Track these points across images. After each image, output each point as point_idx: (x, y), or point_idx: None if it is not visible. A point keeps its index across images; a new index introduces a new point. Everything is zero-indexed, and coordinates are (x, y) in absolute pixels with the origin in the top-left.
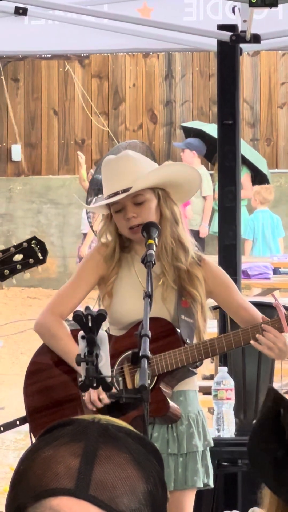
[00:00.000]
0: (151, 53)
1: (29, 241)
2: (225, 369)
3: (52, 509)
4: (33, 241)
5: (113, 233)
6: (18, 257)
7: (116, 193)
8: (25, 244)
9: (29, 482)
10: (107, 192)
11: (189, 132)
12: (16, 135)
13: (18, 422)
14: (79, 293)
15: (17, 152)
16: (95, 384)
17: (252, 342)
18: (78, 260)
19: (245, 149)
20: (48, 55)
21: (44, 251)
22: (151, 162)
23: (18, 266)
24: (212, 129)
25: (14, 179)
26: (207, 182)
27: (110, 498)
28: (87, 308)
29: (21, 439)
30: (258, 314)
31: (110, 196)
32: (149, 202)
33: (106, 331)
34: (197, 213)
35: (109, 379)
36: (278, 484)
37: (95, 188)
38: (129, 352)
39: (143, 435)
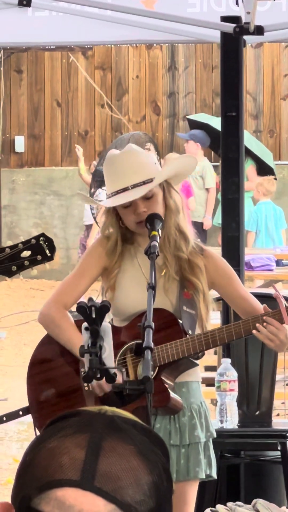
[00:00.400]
0: (154, 44)
1: (37, 237)
2: (228, 360)
3: (58, 500)
4: (42, 238)
5: (115, 226)
6: (26, 253)
7: (126, 189)
8: (33, 241)
9: (34, 473)
10: (114, 188)
11: (194, 125)
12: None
13: (21, 413)
14: (82, 284)
15: (20, 143)
16: (98, 376)
17: (253, 331)
18: (80, 252)
19: (251, 141)
20: (52, 47)
21: (52, 248)
22: (152, 155)
23: (26, 263)
24: (218, 123)
25: (17, 171)
26: (210, 174)
27: (115, 489)
28: (90, 299)
29: (24, 430)
30: (259, 306)
31: (118, 192)
32: (157, 196)
33: (109, 322)
34: (200, 204)
35: (112, 371)
36: None
37: (98, 180)
38: (132, 343)
39: (149, 427)
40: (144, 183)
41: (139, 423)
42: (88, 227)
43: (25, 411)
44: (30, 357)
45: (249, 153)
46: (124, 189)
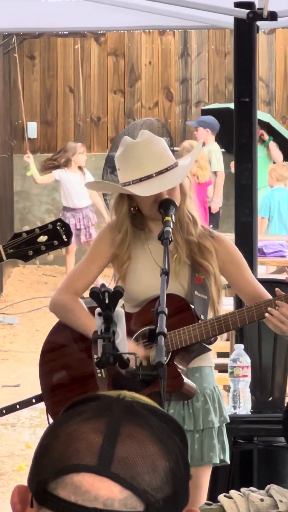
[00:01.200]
0: (167, 30)
1: (54, 223)
2: (241, 346)
3: (74, 485)
4: (58, 223)
5: (126, 213)
6: (43, 238)
7: (150, 176)
8: (50, 226)
9: (51, 457)
10: (136, 175)
11: (209, 113)
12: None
13: (34, 400)
14: (93, 271)
15: (32, 129)
16: (111, 361)
17: (266, 314)
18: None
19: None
20: (64, 33)
21: (69, 233)
22: (164, 140)
23: (42, 247)
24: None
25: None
26: (216, 158)
27: (132, 476)
28: (103, 285)
29: (37, 416)
30: (266, 294)
31: (141, 180)
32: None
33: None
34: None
35: (125, 356)
36: None
37: (110, 165)
38: (145, 328)
39: (167, 414)
40: (167, 169)
41: (158, 409)
42: (65, 209)
43: (38, 398)
44: (42, 344)
45: (273, 132)
46: (148, 177)
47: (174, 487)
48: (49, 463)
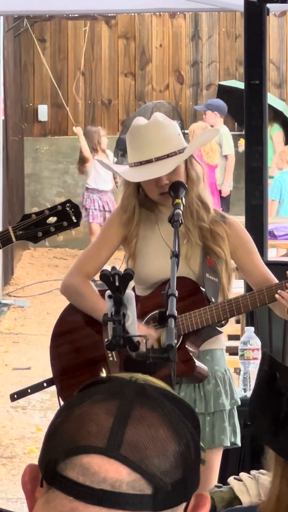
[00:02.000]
0: (177, 13)
1: (63, 204)
2: (252, 329)
3: (82, 467)
4: (68, 204)
5: (133, 194)
6: (52, 219)
7: (149, 161)
8: (59, 207)
9: (62, 438)
10: (137, 158)
11: (224, 90)
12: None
13: (45, 384)
14: (103, 254)
15: (43, 112)
16: (122, 344)
17: (276, 296)
18: (85, 214)
19: (280, 105)
20: (75, 15)
21: (78, 215)
22: (175, 124)
23: (52, 229)
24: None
25: (40, 139)
26: (227, 141)
27: (141, 459)
28: (113, 268)
29: (47, 399)
30: (274, 279)
31: (141, 163)
32: (179, 167)
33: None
34: (219, 172)
35: (136, 339)
36: (281, 446)
37: (121, 148)
38: (155, 311)
39: (180, 397)
40: (168, 156)
41: (171, 393)
42: (88, 190)
43: (49, 382)
44: (53, 328)
45: (276, 118)
46: (148, 161)
47: (184, 471)
48: (60, 443)
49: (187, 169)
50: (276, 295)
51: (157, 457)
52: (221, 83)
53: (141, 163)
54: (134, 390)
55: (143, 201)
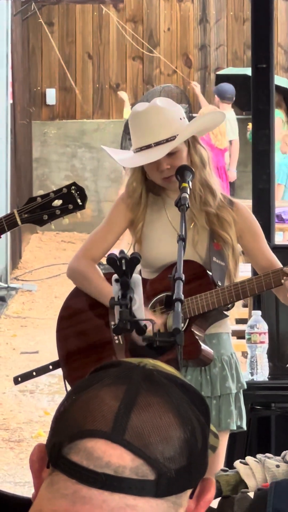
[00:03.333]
0: None
1: (68, 186)
2: (259, 312)
3: (86, 451)
4: (73, 187)
5: (139, 179)
6: (57, 202)
7: (149, 146)
8: (64, 190)
9: (68, 421)
10: (137, 144)
11: (223, 80)
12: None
13: (51, 367)
14: (110, 237)
15: (51, 96)
16: (128, 328)
17: (283, 281)
18: None
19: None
20: None
21: (84, 197)
22: (179, 108)
23: (57, 212)
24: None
25: (48, 123)
26: (231, 127)
27: (145, 444)
28: (121, 251)
29: (55, 383)
30: (278, 263)
31: (142, 149)
32: (181, 152)
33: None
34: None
35: (142, 323)
36: None
37: (129, 132)
38: (162, 295)
39: (189, 384)
40: (167, 140)
41: (180, 379)
42: None
43: (55, 365)
44: (59, 311)
45: (278, 103)
46: (148, 146)
47: (189, 458)
48: (66, 427)
49: (190, 154)
50: (283, 280)
51: (161, 443)
52: (218, 73)
53: (141, 149)
54: (142, 376)
55: (151, 186)
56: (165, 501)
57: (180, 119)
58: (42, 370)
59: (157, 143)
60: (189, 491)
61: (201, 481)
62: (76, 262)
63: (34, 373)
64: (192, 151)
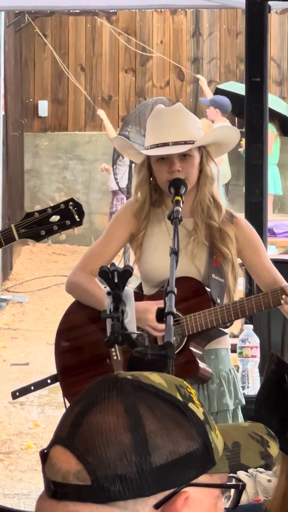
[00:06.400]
0: (179, 10)
1: (66, 202)
2: (251, 326)
3: (49, 459)
4: (70, 203)
5: (145, 183)
6: (55, 218)
7: (166, 144)
8: (62, 206)
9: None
10: (155, 141)
11: (222, 94)
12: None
13: (49, 381)
14: (109, 250)
15: (43, 108)
16: (120, 341)
17: (282, 301)
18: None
19: (275, 102)
20: (76, 11)
21: (81, 213)
22: (198, 119)
23: (55, 227)
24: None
25: (40, 135)
26: None
27: (87, 448)
28: (112, 264)
29: (45, 395)
30: (281, 279)
31: (158, 145)
32: (194, 159)
33: (137, 289)
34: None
35: (134, 336)
36: None
37: None
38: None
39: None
40: (185, 143)
41: (153, 387)
42: (114, 193)
43: (53, 379)
44: (58, 324)
45: (270, 116)
46: (165, 144)
47: (140, 465)
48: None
49: (202, 164)
50: (282, 301)
51: (103, 447)
52: (219, 86)
53: (157, 146)
54: (108, 384)
55: (151, 194)
56: (109, 506)
57: (199, 128)
58: (41, 384)
59: (175, 143)
60: (148, 499)
61: (178, 493)
62: (75, 276)
63: (32, 388)
64: (204, 162)
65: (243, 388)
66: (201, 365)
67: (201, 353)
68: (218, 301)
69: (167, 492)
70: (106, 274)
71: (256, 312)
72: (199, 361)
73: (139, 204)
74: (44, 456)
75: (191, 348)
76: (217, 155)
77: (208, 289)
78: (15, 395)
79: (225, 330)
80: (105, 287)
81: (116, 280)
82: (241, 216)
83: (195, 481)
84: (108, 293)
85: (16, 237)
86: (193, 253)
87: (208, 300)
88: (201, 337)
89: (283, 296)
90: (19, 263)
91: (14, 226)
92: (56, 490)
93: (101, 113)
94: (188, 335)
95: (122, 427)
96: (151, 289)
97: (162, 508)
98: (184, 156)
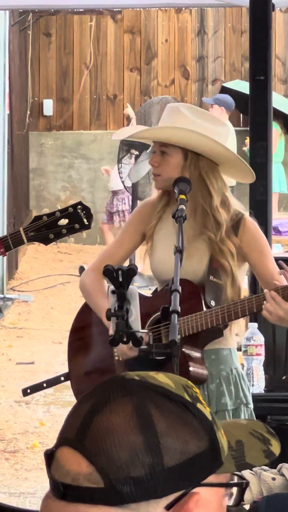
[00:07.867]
0: (183, 8)
1: (75, 206)
2: (255, 325)
3: (56, 460)
4: (79, 206)
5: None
6: (63, 221)
7: (164, 127)
8: (70, 209)
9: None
10: (161, 124)
11: (228, 93)
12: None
13: (62, 378)
14: (121, 251)
15: (48, 107)
16: (125, 339)
17: (263, 306)
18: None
19: (278, 100)
20: (81, 10)
21: (90, 216)
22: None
23: (63, 231)
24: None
25: (45, 134)
26: (231, 139)
27: (98, 450)
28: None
29: (51, 394)
30: (283, 281)
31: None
32: (173, 158)
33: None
34: None
35: (139, 334)
36: None
37: (126, 143)
38: (157, 314)
39: (174, 393)
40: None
41: (163, 389)
42: (114, 193)
43: (66, 376)
44: (72, 322)
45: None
46: (158, 127)
47: (151, 466)
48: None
49: (183, 168)
50: (263, 306)
51: (115, 449)
52: (224, 84)
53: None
54: (116, 385)
55: (164, 195)
56: (121, 508)
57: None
58: (53, 382)
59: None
60: (160, 501)
61: (189, 494)
62: (86, 276)
63: (45, 385)
64: (187, 166)
65: None
66: (192, 368)
67: (198, 354)
68: (213, 303)
69: (178, 493)
70: (110, 273)
71: (241, 317)
72: (191, 363)
73: (151, 203)
74: (49, 457)
75: (184, 350)
76: (237, 176)
77: (202, 293)
78: (26, 392)
79: (222, 332)
80: (109, 286)
81: (120, 279)
82: (250, 219)
83: (205, 481)
84: (113, 292)
85: (25, 240)
86: (192, 253)
87: (199, 304)
88: (195, 340)
89: (264, 302)
90: (24, 262)
91: (23, 229)
92: (66, 492)
93: (130, 111)
94: (181, 338)
95: (133, 428)
96: (161, 287)
97: (173, 509)
98: (162, 153)
